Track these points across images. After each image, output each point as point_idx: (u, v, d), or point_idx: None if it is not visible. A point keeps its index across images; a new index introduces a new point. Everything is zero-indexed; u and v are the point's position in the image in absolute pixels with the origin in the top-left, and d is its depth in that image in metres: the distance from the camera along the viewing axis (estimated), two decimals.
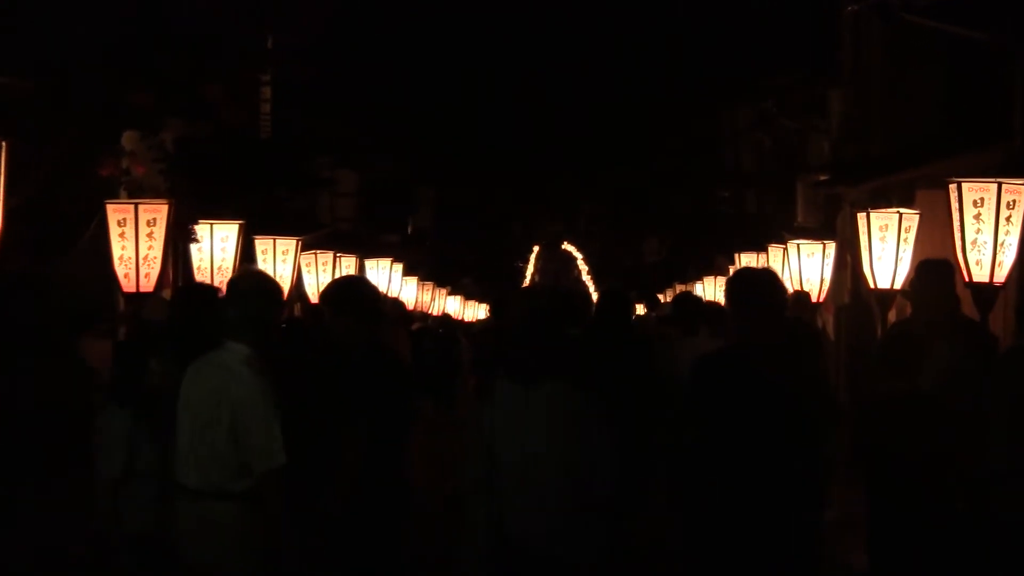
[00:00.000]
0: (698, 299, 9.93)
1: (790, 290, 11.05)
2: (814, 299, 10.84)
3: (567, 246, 50.10)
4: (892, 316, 8.43)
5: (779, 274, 12.13)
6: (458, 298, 29.42)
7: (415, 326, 14.81)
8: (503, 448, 4.16)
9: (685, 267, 24.05)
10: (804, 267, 11.16)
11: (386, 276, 15.98)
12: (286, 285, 10.55)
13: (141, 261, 7.11)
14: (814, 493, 4.30)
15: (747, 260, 13.93)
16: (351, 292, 5.03)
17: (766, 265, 12.83)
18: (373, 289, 5.29)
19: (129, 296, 7.24)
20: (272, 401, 4.22)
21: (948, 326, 5.69)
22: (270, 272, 10.50)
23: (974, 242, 6.49)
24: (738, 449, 4.18)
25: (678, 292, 18.72)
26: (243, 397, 4.19)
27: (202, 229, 8.91)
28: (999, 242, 6.46)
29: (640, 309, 21.32)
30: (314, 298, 12.45)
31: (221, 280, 8.79)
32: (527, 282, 47.54)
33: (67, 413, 4.63)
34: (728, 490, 4.18)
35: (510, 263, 46.68)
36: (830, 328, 12.97)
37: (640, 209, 34.27)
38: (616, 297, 6.88)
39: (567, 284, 38.70)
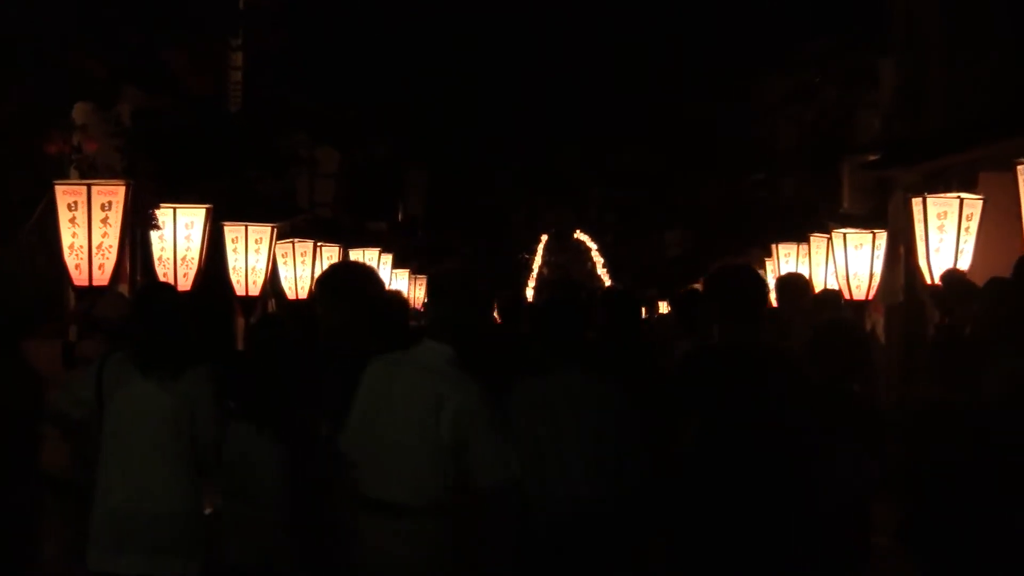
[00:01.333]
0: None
1: (824, 287, 11.27)
2: (862, 296, 10.83)
3: (579, 235, 49.90)
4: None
5: (822, 268, 12.30)
6: None
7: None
8: (528, 441, 4.63)
9: (713, 261, 23.70)
10: (851, 260, 11.15)
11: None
12: (259, 278, 10.55)
13: (94, 251, 7.13)
14: (799, 519, 4.56)
15: (785, 253, 13.94)
16: (352, 277, 5.00)
17: (807, 256, 12.88)
18: (380, 280, 5.29)
19: (80, 291, 7.22)
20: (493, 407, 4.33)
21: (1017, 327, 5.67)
22: (241, 264, 10.53)
23: None
24: (713, 457, 4.56)
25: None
26: (466, 403, 4.26)
27: (164, 214, 8.97)
28: None
29: (663, 307, 21.22)
30: (292, 293, 12.47)
31: (186, 273, 8.79)
32: (533, 276, 47.32)
33: (8, 422, 4.75)
34: (709, 501, 4.55)
35: (514, 254, 46.51)
36: (880, 331, 12.96)
37: (660, 195, 33.94)
38: (620, 300, 6.97)
39: (580, 278, 38.58)
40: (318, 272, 13.31)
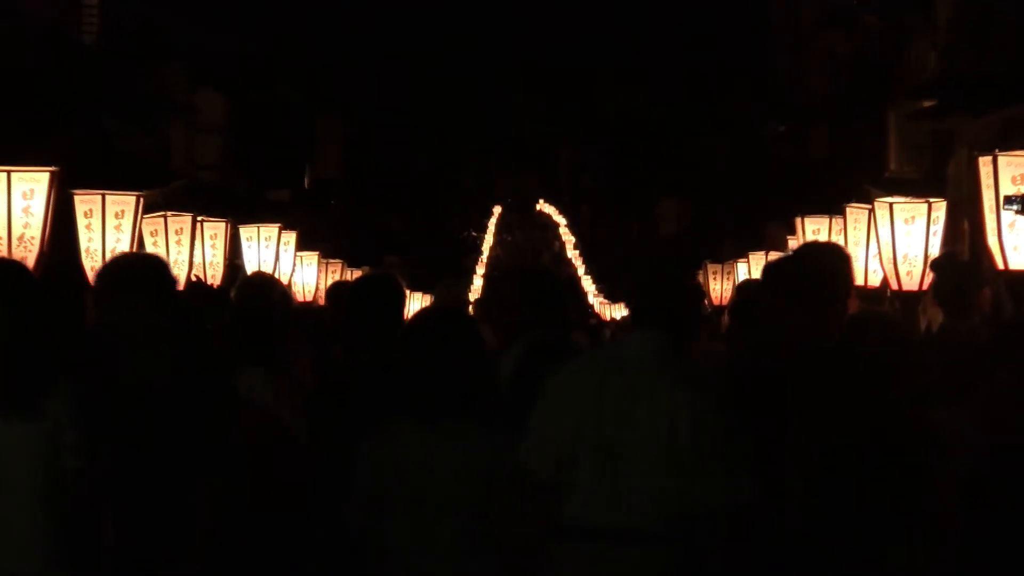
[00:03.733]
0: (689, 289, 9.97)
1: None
2: (914, 285, 10.83)
3: (543, 207, 49.90)
4: None
5: (861, 247, 12.26)
6: None
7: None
8: None
9: (719, 240, 23.88)
10: (900, 238, 11.17)
11: (271, 251, 15.78)
12: None
13: None
14: None
15: (813, 228, 13.90)
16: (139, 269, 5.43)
17: (842, 233, 12.94)
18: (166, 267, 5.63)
19: None
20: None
21: None
22: (96, 245, 10.48)
23: None
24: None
25: (697, 277, 18.85)
26: (708, 409, 4.78)
27: None
28: None
29: None
30: None
31: (23, 257, 8.71)
32: (484, 261, 47.16)
33: None
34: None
35: (458, 232, 46.38)
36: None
37: (651, 154, 33.68)
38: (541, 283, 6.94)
39: (542, 264, 38.46)
40: (203, 254, 13.36)
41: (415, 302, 30.13)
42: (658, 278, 5.27)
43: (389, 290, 6.08)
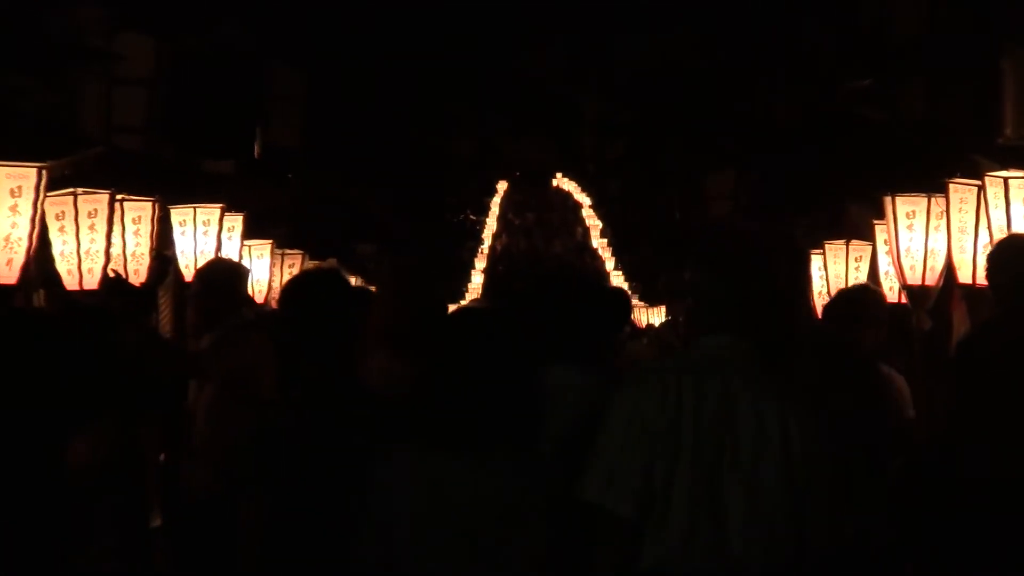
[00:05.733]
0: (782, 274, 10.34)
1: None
2: None
3: (561, 182, 49.79)
4: None
5: (968, 234, 12.41)
6: (354, 281, 29.09)
7: None
8: None
9: (786, 224, 23.88)
10: (1017, 220, 11.18)
11: (211, 238, 15.90)
12: (18, 251, 10.55)
13: None
14: None
15: (907, 210, 14.01)
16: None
17: (944, 216, 12.95)
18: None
19: None
20: None
21: None
22: None
23: None
24: None
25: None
26: (809, 427, 5.22)
27: None
28: None
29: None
30: (72, 278, 12.54)
31: None
32: (484, 251, 47.07)
33: None
34: None
35: (454, 215, 46.29)
36: None
37: (700, 114, 33.68)
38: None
39: (561, 255, 38.30)
40: (124, 242, 13.43)
41: None
42: (732, 262, 5.48)
43: (324, 289, 6.38)
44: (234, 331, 10.07)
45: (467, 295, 47.95)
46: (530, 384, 5.44)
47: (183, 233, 15.63)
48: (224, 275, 10.67)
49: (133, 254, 13.50)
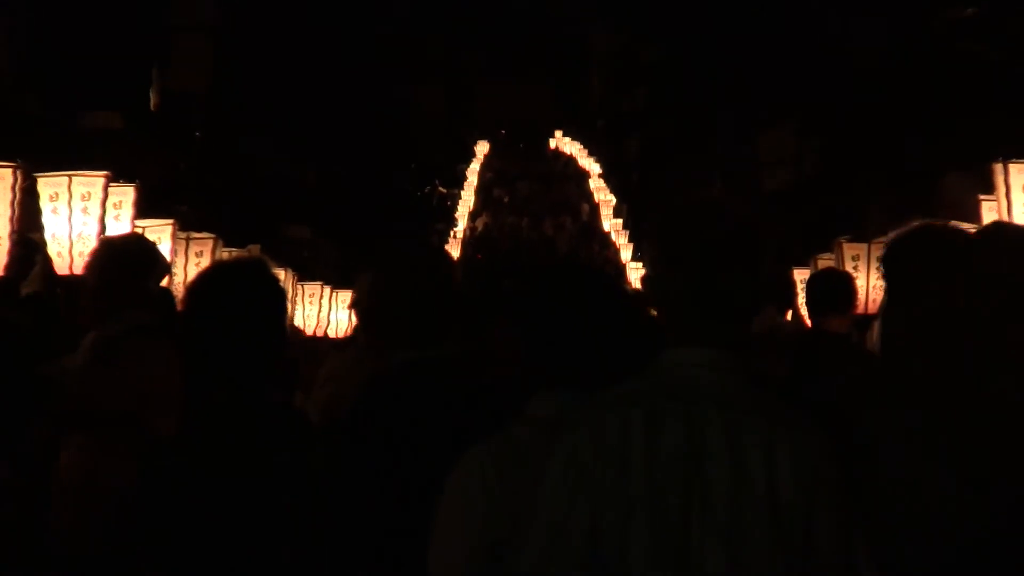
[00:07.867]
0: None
1: None
2: None
3: (562, 142, 48.39)
4: None
5: None
6: (283, 274, 28.72)
7: None
8: None
9: (863, 200, 23.21)
10: None
11: (93, 216, 14.85)
12: None
13: None
14: None
15: (1022, 183, 14.00)
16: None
17: None
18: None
19: None
20: None
21: None
22: None
23: None
24: None
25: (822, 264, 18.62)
26: (806, 453, 4.94)
27: None
28: None
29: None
30: None
31: None
32: (458, 233, 46.24)
33: None
34: None
35: (415, 187, 45.02)
36: None
37: (747, 54, 31.47)
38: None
39: (559, 241, 36.43)
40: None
41: (338, 302, 28.86)
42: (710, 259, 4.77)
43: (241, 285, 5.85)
44: (125, 341, 8.67)
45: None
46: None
47: (54, 210, 14.76)
48: (141, 256, 9.37)
49: None
